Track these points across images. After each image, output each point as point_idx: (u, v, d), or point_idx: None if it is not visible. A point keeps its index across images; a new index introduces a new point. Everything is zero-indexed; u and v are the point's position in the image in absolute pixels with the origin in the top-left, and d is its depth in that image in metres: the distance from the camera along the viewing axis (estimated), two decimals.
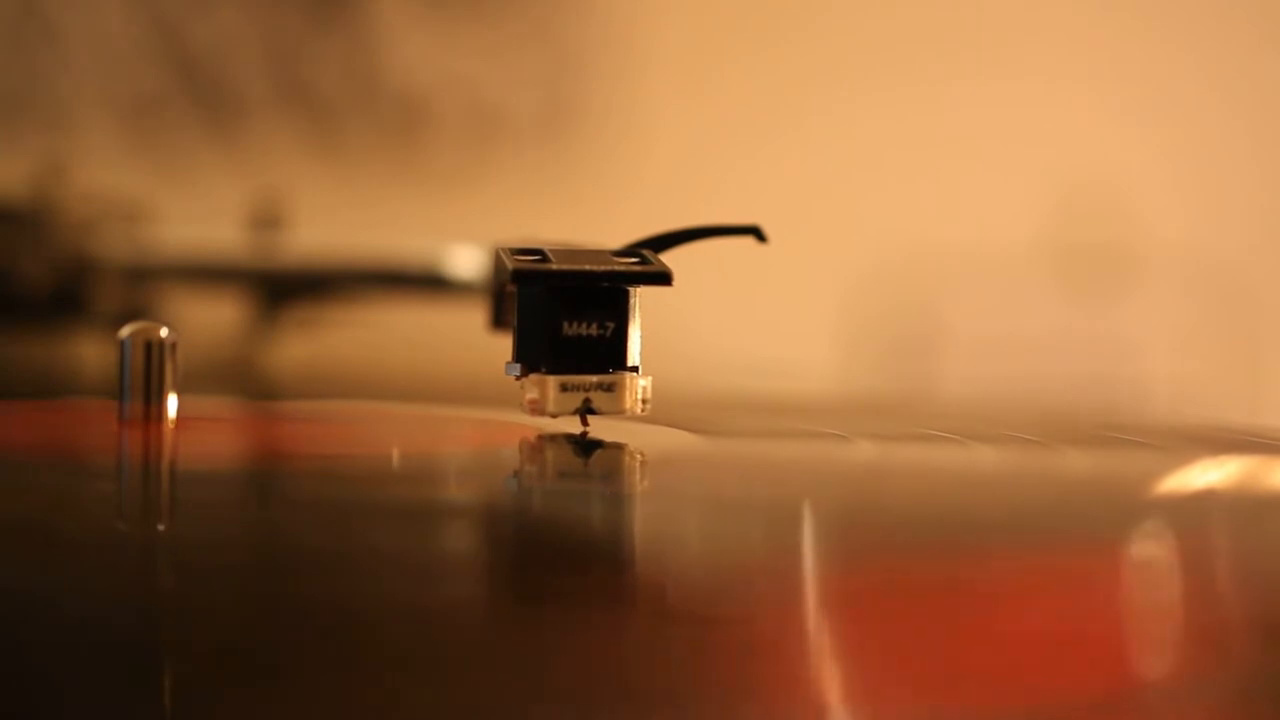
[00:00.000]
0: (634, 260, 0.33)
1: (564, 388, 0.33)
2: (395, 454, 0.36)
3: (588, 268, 0.33)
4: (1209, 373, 0.92)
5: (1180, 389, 0.91)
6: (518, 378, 0.33)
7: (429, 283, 0.60)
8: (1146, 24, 0.97)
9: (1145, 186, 0.95)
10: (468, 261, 0.59)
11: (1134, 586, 0.24)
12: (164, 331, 0.34)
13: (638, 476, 0.34)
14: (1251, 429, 0.42)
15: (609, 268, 0.33)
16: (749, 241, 0.35)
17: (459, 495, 0.31)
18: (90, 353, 0.60)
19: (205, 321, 0.61)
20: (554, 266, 0.33)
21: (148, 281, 0.63)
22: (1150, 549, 0.27)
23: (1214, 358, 0.93)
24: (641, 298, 0.34)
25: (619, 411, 0.33)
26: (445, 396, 0.48)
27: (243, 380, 0.57)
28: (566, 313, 0.33)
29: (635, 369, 0.34)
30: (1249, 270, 0.95)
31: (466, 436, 0.39)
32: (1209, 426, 0.45)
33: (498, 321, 0.41)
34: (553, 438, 0.35)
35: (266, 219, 0.62)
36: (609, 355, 0.33)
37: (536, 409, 0.33)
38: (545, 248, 0.33)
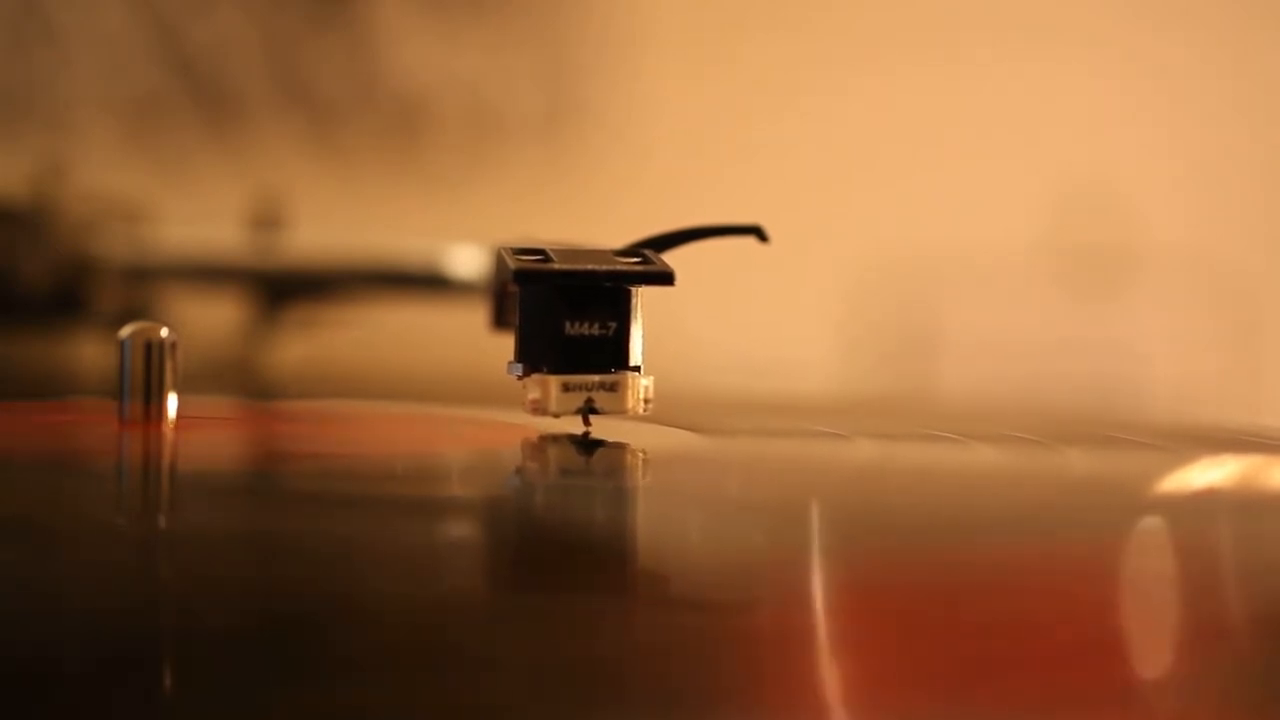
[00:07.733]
0: (636, 260, 0.33)
1: (566, 387, 0.33)
2: (395, 454, 0.36)
3: (590, 267, 0.33)
4: (1209, 373, 0.92)
5: (1180, 389, 0.91)
6: (519, 378, 0.33)
7: (429, 283, 0.60)
8: (1147, 23, 0.97)
9: (1145, 186, 0.95)
10: (468, 261, 0.59)
11: (1134, 586, 0.24)
12: (164, 331, 0.34)
13: (640, 476, 0.34)
14: (1251, 429, 0.42)
15: (611, 267, 0.33)
16: (750, 241, 0.35)
17: (461, 494, 0.31)
18: (90, 353, 0.60)
19: (205, 321, 0.61)
20: (556, 266, 0.33)
21: (148, 281, 0.63)
22: (1150, 549, 0.27)
23: (1214, 358, 0.93)
24: (643, 297, 0.34)
25: (621, 411, 0.33)
26: (446, 396, 0.48)
27: (243, 380, 0.57)
28: (569, 312, 0.33)
29: (637, 369, 0.34)
30: (1249, 270, 0.95)
31: (468, 436, 0.39)
32: (1209, 426, 0.45)
33: (499, 321, 0.41)
34: (555, 437, 0.35)
35: (266, 219, 0.62)
36: (611, 355, 0.33)
37: (538, 409, 0.33)
38: (547, 247, 0.33)
